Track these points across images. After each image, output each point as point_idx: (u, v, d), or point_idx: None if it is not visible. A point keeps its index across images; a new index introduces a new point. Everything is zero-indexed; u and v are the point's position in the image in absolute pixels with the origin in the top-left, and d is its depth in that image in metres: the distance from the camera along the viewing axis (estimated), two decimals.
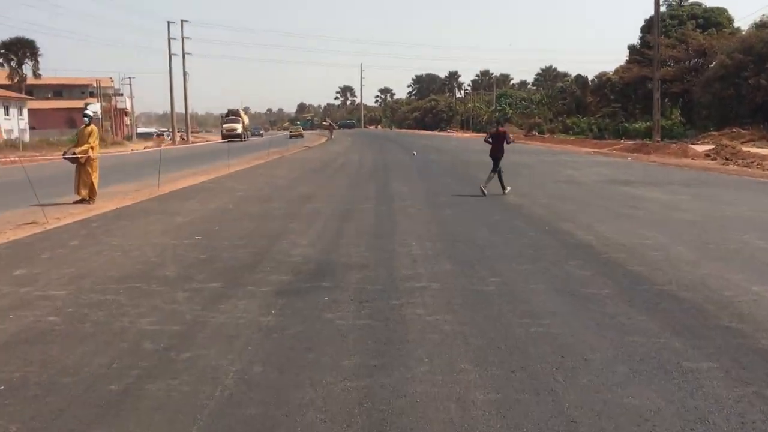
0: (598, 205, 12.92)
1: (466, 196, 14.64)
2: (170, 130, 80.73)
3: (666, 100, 61.99)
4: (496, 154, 15.45)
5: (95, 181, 13.84)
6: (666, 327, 5.10)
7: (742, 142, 32.75)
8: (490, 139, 15.92)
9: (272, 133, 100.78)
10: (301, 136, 76.88)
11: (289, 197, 14.65)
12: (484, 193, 14.43)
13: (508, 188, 14.93)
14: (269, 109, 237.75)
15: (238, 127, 68.17)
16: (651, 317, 5.38)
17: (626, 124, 59.66)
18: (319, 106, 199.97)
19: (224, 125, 70.22)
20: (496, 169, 15.28)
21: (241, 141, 60.97)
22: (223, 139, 58.58)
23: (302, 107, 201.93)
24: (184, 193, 15.59)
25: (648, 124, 57.12)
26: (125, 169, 23.96)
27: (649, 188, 16.29)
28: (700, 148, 31.91)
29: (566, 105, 79.35)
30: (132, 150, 49.72)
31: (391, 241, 9.07)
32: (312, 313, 5.58)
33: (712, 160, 27.68)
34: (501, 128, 17.11)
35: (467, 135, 79.97)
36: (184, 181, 18.96)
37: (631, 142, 39.84)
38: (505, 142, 15.60)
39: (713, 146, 31.48)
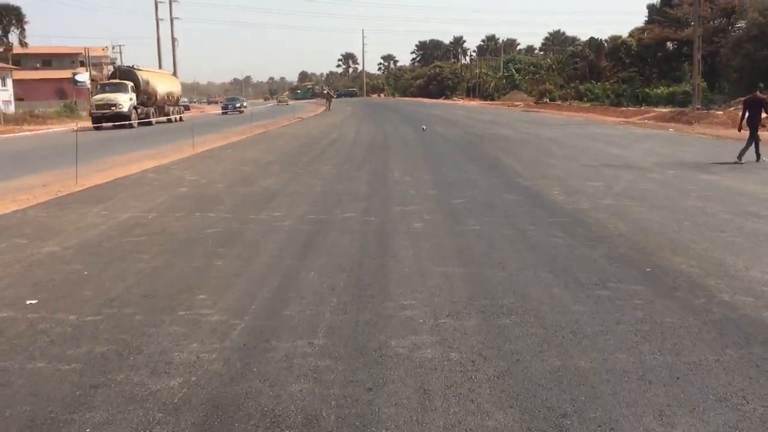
0: (698, 212, 8.63)
1: (490, 188, 10.38)
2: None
3: (686, 63, 57.66)
4: (754, 121, 14.20)
5: None
6: None
7: None
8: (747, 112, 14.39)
9: (268, 104, 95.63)
10: (287, 103, 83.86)
11: (245, 197, 10.42)
12: (740, 161, 13.83)
13: (766, 159, 14.00)
14: (271, 78, 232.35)
15: (122, 101, 34.84)
16: None
17: (647, 90, 55.31)
18: (322, 74, 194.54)
19: (95, 97, 37.36)
20: (753, 138, 14.09)
21: (132, 126, 33.96)
22: (93, 122, 34.50)
23: (304, 76, 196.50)
24: (103, 191, 11.34)
25: (671, 89, 52.87)
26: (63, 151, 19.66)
27: (741, 177, 11.99)
28: None
29: (578, 70, 74.97)
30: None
31: (379, 318, 4.83)
32: None
33: None
34: (760, 94, 14.60)
35: (474, 103, 75.25)
36: (122, 168, 14.71)
37: (666, 110, 35.29)
38: (763, 111, 14.11)
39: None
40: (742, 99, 38.14)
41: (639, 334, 4.34)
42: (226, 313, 4.86)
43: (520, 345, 4.18)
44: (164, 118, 41.54)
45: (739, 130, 14.51)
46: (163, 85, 42.76)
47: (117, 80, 37.38)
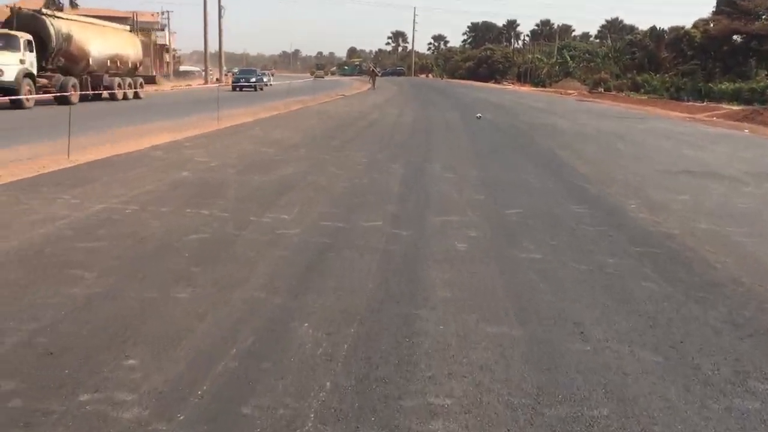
0: None
1: (550, 195, 8.42)
2: (211, 69, 74.89)
3: (754, 58, 54.20)
4: None
5: None
6: None
7: None
8: None
9: (309, 79, 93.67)
10: (323, 78, 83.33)
11: (254, 188, 8.65)
12: None
13: None
14: (320, 53, 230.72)
15: (4, 63, 21.16)
16: None
17: (710, 84, 51.98)
18: (371, 51, 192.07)
19: None
20: None
21: (22, 105, 21.28)
22: None
23: (352, 52, 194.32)
24: (90, 170, 9.69)
25: (736, 85, 49.58)
26: (90, 117, 18.21)
27: None
28: None
29: (636, 60, 71.48)
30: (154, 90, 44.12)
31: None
32: None
33: None
34: None
35: (524, 88, 72.36)
36: (132, 141, 13.10)
37: (737, 108, 32.45)
38: None
39: None
40: None
41: None
42: (152, 402, 3.09)
43: None
44: (105, 94, 27.69)
45: None
46: (104, 44, 27.97)
47: (5, 31, 22.70)
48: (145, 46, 73.78)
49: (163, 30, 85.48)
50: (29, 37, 22.53)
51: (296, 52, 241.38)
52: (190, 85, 56.01)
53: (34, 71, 22.73)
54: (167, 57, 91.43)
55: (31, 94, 21.66)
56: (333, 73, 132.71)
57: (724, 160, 13.81)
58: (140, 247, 5.66)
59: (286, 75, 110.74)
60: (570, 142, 16.22)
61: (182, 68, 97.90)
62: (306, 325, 4.10)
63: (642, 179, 10.59)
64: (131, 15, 76.35)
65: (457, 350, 3.82)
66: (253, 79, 44.93)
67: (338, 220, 7.01)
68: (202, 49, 73.42)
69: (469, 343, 3.92)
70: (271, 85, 51.22)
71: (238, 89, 41.57)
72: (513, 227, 6.95)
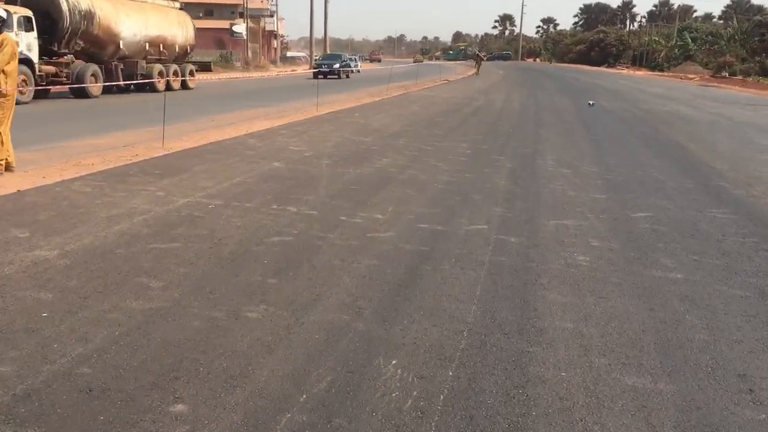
0: None
1: (683, 196, 7.23)
2: (317, 55, 75.54)
3: None
4: None
5: (5, 136, 7.82)
6: None
7: None
8: None
9: (417, 63, 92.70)
10: (422, 62, 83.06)
11: (347, 182, 7.98)
12: None
13: None
14: (425, 37, 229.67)
15: None
16: None
17: None
18: (476, 35, 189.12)
19: None
20: None
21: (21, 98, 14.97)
22: None
23: (457, 36, 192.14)
24: (182, 159, 9.34)
25: None
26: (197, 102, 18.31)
27: None
28: None
29: (766, 42, 66.07)
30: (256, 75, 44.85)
31: None
32: None
33: None
34: None
35: (640, 73, 68.41)
36: (231, 128, 12.81)
37: None
38: None
39: None
40: None
41: None
42: None
43: None
44: (138, 83, 22.30)
45: None
46: (141, 23, 23.18)
47: (7, 6, 17.74)
48: (254, 33, 75.50)
49: (271, 16, 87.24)
50: (26, 12, 17.82)
51: (401, 37, 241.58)
52: (295, 70, 56.59)
53: (34, 56, 17.98)
54: (275, 43, 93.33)
55: (27, 84, 17.22)
56: (438, 58, 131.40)
57: None
58: (216, 251, 5.08)
59: (391, 60, 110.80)
60: (698, 133, 14.61)
61: (289, 54, 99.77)
62: (393, 363, 3.34)
63: None
64: (242, 1, 78.35)
65: (586, 412, 2.94)
66: (337, 65, 39.77)
67: (437, 222, 6.20)
68: (308, 35, 74.17)
69: (601, 400, 3.03)
70: (359, 71, 47.63)
71: (321, 77, 35.29)
72: (643, 237, 5.89)
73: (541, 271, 4.83)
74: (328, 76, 37.57)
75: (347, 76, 40.29)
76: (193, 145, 10.60)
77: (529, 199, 7.36)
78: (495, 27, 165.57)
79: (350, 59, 46.88)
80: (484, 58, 70.06)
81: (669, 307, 4.19)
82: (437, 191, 7.68)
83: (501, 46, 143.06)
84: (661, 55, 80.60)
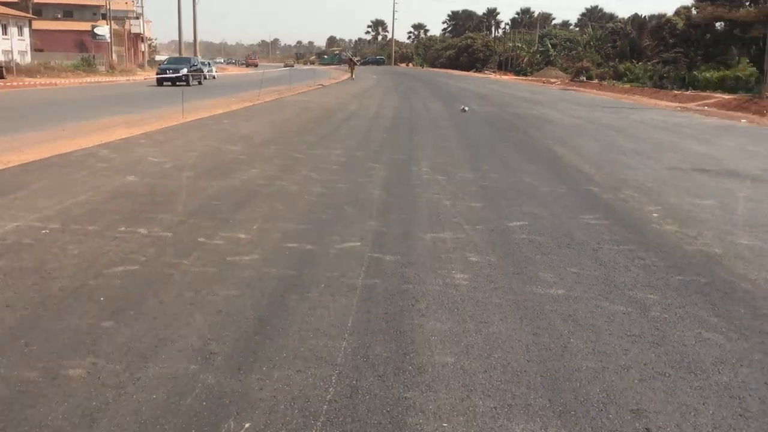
0: None
1: (557, 202, 7.14)
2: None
3: (737, 45, 53.51)
4: None
5: None
6: None
7: None
8: None
9: (293, 68, 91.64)
10: (293, 66, 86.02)
11: (210, 197, 7.28)
12: None
13: None
14: (299, 42, 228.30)
15: None
16: None
17: (695, 73, 51.15)
18: (350, 40, 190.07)
19: None
20: None
21: None
22: None
23: (332, 41, 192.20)
24: (21, 175, 8.24)
25: (721, 73, 48.93)
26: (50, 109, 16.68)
27: None
28: None
29: (618, 48, 70.67)
30: (128, 79, 42.23)
31: None
32: None
33: None
34: None
35: (507, 77, 71.29)
36: (85, 137, 11.64)
37: (728, 96, 31.47)
38: None
39: None
40: None
41: None
42: None
43: None
44: None
45: None
46: None
47: None
48: (119, 35, 71.58)
49: (137, 18, 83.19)
50: None
51: (275, 41, 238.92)
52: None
53: None
54: (142, 46, 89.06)
55: None
56: (312, 63, 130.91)
57: (735, 155, 12.64)
58: (42, 288, 4.30)
59: (266, 64, 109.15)
60: (565, 137, 14.98)
61: (158, 57, 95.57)
62: (247, 426, 2.79)
63: (654, 180, 9.36)
64: (103, 2, 74.21)
65: None
66: (185, 70, 34.05)
67: (307, 240, 5.68)
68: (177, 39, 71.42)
69: None
70: (214, 77, 44.05)
71: (167, 83, 32.86)
72: (522, 248, 5.66)
73: (418, 294, 4.43)
74: (177, 83, 33.03)
75: (199, 83, 35.77)
76: (36, 157, 9.47)
77: (405, 211, 7.00)
78: (368, 32, 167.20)
79: (203, 63, 43.24)
80: (358, 63, 70.31)
81: (553, 330, 3.90)
82: (308, 204, 7.16)
83: (374, 50, 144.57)
84: (525, 60, 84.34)
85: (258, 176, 8.70)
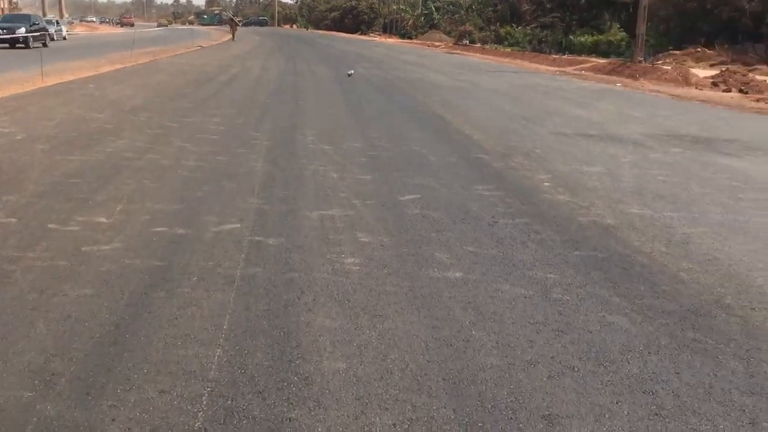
0: None
1: (449, 172, 6.87)
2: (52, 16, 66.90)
3: (608, 11, 55.87)
4: None
5: None
6: None
7: (750, 69, 26.06)
8: None
9: (167, 27, 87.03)
10: (166, 26, 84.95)
11: (67, 174, 6.44)
12: None
13: None
14: (176, 0, 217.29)
15: None
16: None
17: (571, 37, 53.00)
18: (231, 0, 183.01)
19: None
20: None
21: None
22: None
23: (212, 1, 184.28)
24: None
25: (594, 37, 50.93)
26: None
27: None
28: (702, 72, 25.27)
29: (499, 13, 72.10)
30: None
31: None
32: None
33: (725, 91, 20.97)
34: None
35: (391, 40, 70.94)
36: None
37: (603, 61, 32.62)
38: None
39: (717, 72, 24.88)
40: (673, 52, 36.69)
41: None
42: None
43: None
44: None
45: None
46: None
47: None
48: None
49: None
50: None
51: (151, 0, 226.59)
52: None
53: None
54: (2, 2, 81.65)
55: None
56: (191, 23, 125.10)
57: (615, 119, 12.91)
58: None
59: (142, 24, 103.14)
60: (453, 101, 14.83)
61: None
62: None
63: (542, 147, 9.31)
64: None
65: None
66: (23, 30, 28.19)
67: (180, 222, 5.07)
68: None
69: None
70: (65, 38, 38.94)
71: (6, 46, 27.83)
72: (415, 224, 5.31)
73: (304, 285, 3.98)
74: (16, 45, 27.95)
75: (44, 44, 28.57)
76: None
77: (289, 185, 6.47)
78: None
79: (48, 22, 37.13)
80: (240, 24, 67.64)
81: (453, 322, 3.57)
82: (182, 180, 6.49)
83: (257, 11, 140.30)
84: (409, 23, 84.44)
85: (125, 148, 7.86)
